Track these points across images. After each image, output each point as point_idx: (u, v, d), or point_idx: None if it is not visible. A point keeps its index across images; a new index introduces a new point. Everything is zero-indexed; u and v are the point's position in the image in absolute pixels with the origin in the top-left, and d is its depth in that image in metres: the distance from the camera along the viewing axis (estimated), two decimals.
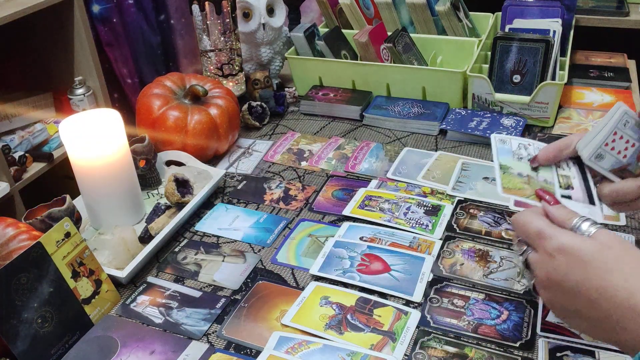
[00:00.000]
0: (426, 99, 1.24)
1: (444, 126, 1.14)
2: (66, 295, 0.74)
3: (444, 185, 1.00)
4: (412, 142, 1.15)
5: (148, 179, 1.04)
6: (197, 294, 0.82)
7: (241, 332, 0.75)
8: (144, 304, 0.80)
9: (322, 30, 1.37)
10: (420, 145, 1.13)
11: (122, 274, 0.81)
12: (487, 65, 1.20)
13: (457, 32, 1.34)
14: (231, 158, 1.14)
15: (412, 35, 1.30)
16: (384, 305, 0.77)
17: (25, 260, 0.70)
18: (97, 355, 0.72)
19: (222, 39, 1.23)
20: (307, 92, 1.30)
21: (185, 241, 0.92)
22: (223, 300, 0.80)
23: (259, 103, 1.24)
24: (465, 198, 0.97)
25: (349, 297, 0.79)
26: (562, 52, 1.24)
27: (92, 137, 0.87)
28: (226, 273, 0.85)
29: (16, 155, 1.58)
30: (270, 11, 1.33)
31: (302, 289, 0.81)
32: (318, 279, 0.83)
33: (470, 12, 1.40)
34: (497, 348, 0.71)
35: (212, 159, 1.13)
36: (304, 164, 1.10)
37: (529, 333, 0.72)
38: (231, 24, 1.23)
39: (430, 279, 0.81)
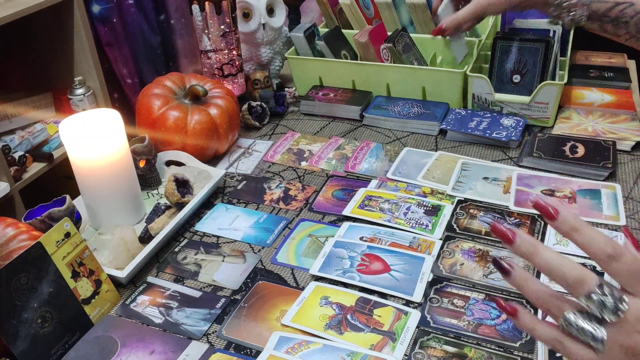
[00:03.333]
0: (426, 99, 1.24)
1: (444, 126, 1.14)
2: (66, 295, 0.74)
3: (444, 185, 1.00)
4: (412, 142, 1.15)
5: (148, 179, 1.04)
6: (197, 294, 0.82)
7: (241, 332, 0.75)
8: (144, 304, 0.80)
9: (322, 30, 1.37)
10: (420, 145, 1.13)
11: (122, 274, 0.81)
12: (487, 65, 1.20)
13: None
14: (231, 158, 1.14)
15: (412, 35, 1.30)
16: (384, 305, 0.77)
17: (25, 260, 0.70)
18: (97, 355, 0.73)
19: (222, 39, 1.23)
20: (307, 92, 1.30)
21: (185, 241, 0.92)
22: (223, 300, 0.80)
23: (259, 103, 1.24)
24: (465, 198, 0.97)
25: (349, 297, 0.79)
26: (562, 52, 1.24)
27: (92, 137, 0.87)
28: (226, 273, 0.85)
29: (16, 155, 1.58)
30: (270, 11, 1.33)
31: (302, 289, 0.81)
32: (318, 279, 0.83)
33: None
34: (497, 348, 0.71)
35: (212, 159, 1.13)
36: (304, 164, 1.10)
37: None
38: (231, 24, 1.23)
39: (430, 279, 0.81)
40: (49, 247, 0.72)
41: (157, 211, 0.96)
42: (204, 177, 1.01)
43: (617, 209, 0.92)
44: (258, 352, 0.72)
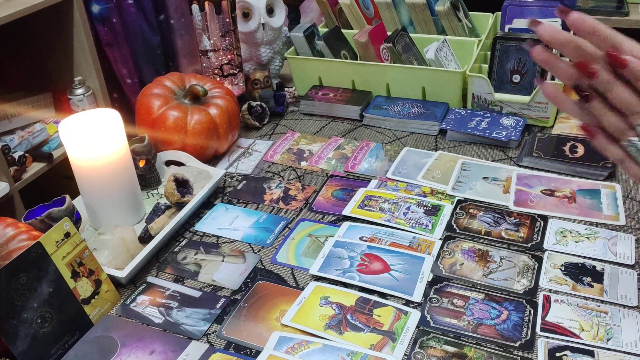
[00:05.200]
0: (426, 99, 1.24)
1: (444, 126, 1.14)
2: (66, 295, 0.74)
3: (443, 185, 1.00)
4: (412, 142, 1.15)
5: (148, 179, 1.04)
6: (197, 294, 0.82)
7: (241, 332, 0.75)
8: (144, 304, 0.80)
9: (322, 30, 1.37)
10: (420, 145, 1.13)
11: (122, 274, 0.81)
12: (487, 65, 1.20)
13: (457, 32, 1.34)
14: (231, 158, 1.14)
15: (412, 35, 1.30)
16: (384, 305, 0.77)
17: (25, 260, 0.70)
18: (97, 355, 0.73)
19: (222, 39, 1.23)
20: (307, 92, 1.30)
21: (185, 241, 0.92)
22: (223, 300, 0.80)
23: (258, 103, 1.24)
24: (465, 198, 0.97)
25: (349, 297, 0.79)
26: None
27: (92, 137, 0.87)
28: (226, 273, 0.85)
29: (16, 155, 1.58)
30: (270, 11, 1.33)
31: (302, 289, 0.81)
32: (318, 279, 0.83)
33: (470, 12, 1.40)
34: (497, 348, 0.71)
35: (212, 159, 1.13)
36: (303, 164, 1.10)
37: (529, 333, 0.72)
38: (231, 24, 1.23)
39: (430, 279, 0.81)
40: (48, 247, 0.72)
41: (157, 211, 0.96)
42: (204, 177, 1.01)
43: (616, 209, 0.92)
44: (258, 352, 0.72)
